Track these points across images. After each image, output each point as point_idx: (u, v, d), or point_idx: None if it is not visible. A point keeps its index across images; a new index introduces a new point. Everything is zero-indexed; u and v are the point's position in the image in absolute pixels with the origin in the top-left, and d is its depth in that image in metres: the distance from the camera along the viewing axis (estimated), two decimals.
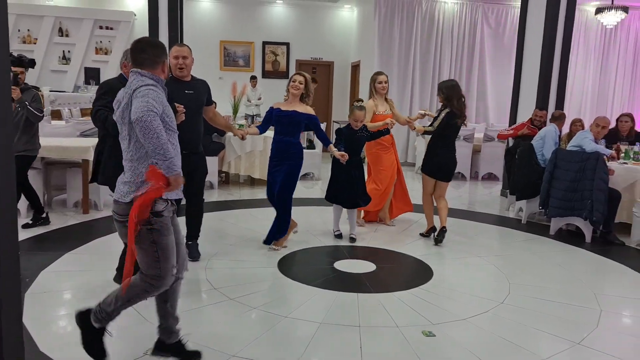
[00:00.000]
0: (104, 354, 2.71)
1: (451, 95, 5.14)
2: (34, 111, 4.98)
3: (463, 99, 5.21)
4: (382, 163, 5.72)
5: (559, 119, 6.53)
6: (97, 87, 11.10)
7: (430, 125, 5.23)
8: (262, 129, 4.86)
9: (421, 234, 5.56)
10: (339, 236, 5.31)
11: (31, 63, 5.10)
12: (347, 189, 5.13)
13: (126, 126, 2.54)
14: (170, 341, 2.80)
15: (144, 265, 2.61)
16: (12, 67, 4.92)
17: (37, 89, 5.54)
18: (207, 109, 4.37)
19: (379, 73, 5.80)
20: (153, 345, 2.84)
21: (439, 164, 5.30)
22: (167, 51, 2.73)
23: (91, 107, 3.99)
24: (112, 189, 3.64)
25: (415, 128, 5.40)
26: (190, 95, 4.02)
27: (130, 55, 2.65)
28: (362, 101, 5.47)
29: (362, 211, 5.96)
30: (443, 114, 5.15)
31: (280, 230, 4.91)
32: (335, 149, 4.83)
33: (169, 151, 2.43)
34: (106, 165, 3.71)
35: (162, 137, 2.40)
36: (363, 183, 5.28)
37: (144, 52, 2.59)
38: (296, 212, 5.17)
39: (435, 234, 5.35)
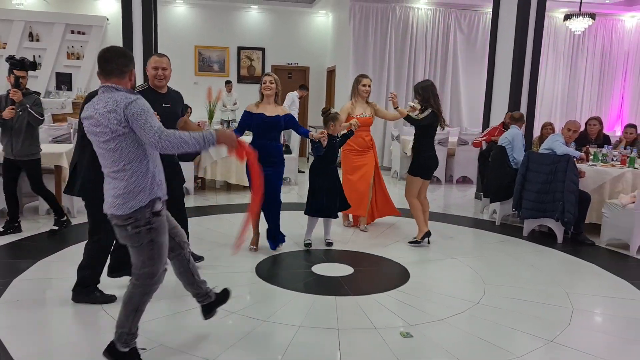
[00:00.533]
0: None
1: (428, 95, 5.20)
2: (34, 114, 4.99)
3: (438, 98, 5.25)
4: (352, 163, 5.68)
5: (519, 120, 6.64)
6: (69, 92, 10.95)
7: (416, 115, 5.19)
8: (238, 133, 4.82)
9: (412, 243, 5.38)
10: (309, 245, 5.18)
11: (32, 66, 5.05)
12: (325, 199, 5.05)
13: (114, 139, 2.54)
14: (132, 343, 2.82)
15: (137, 264, 2.69)
16: (14, 71, 4.88)
17: (37, 94, 5.47)
18: (179, 120, 4.33)
19: (363, 76, 5.74)
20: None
21: (427, 162, 5.35)
22: (134, 60, 2.72)
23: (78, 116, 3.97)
24: (87, 201, 3.60)
25: (398, 107, 5.31)
26: (167, 108, 3.96)
27: (98, 64, 2.65)
28: (331, 108, 5.49)
29: (350, 214, 5.99)
30: (428, 112, 5.15)
31: (279, 230, 5.00)
32: (316, 133, 4.85)
33: (195, 137, 2.53)
34: (85, 176, 3.66)
35: (183, 137, 2.51)
36: (341, 191, 5.20)
37: (112, 62, 2.60)
38: None
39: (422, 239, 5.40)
